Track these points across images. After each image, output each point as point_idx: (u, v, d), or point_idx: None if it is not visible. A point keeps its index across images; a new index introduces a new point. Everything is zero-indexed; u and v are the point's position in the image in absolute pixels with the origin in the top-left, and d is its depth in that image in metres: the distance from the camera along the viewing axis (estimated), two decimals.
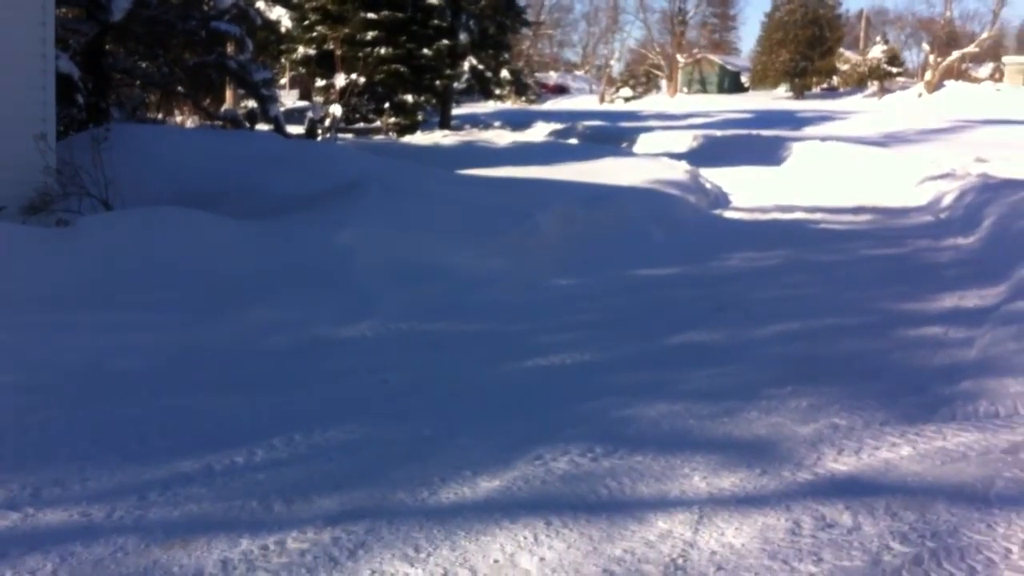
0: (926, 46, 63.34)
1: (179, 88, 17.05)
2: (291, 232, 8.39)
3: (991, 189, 13.03)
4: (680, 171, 16.40)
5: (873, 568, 3.41)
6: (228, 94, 21.50)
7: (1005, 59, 63.83)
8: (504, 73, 36.23)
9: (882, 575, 3.37)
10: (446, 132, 30.20)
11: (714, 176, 17.39)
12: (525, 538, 3.61)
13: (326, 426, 4.72)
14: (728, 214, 13.96)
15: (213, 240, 7.97)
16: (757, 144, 25.28)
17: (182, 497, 3.90)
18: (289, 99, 37.59)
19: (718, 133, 29.49)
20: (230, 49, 16.57)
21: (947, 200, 13.99)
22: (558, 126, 34.16)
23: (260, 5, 18.94)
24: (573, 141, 28.11)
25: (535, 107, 50.98)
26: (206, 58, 16.13)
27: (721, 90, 73.31)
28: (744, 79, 74.24)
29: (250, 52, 16.72)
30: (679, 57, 72.17)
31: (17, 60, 8.92)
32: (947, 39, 62.27)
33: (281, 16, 20.54)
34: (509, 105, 47.35)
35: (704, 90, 74.22)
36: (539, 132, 33.05)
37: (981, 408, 5.16)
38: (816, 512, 3.85)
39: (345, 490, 3.98)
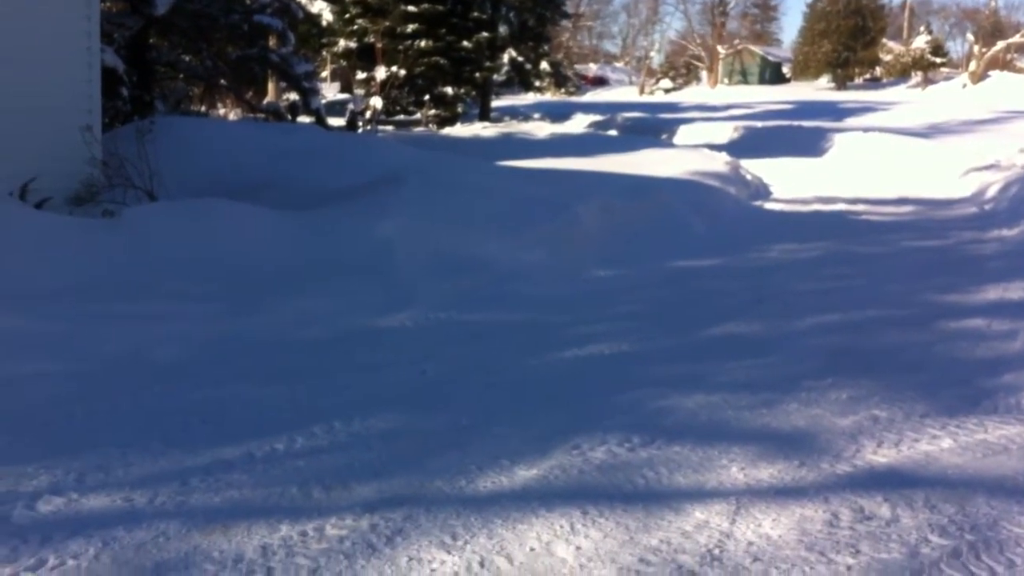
0: (970, 36, 62.41)
1: (222, 81, 17.23)
2: (332, 223, 8.45)
3: None
4: (720, 162, 16.31)
5: (911, 560, 3.40)
6: (270, 87, 21.71)
7: None
8: (544, 65, 36.21)
9: (920, 568, 3.35)
10: (486, 124, 30.22)
11: (755, 167, 17.27)
12: (561, 527, 3.62)
13: (365, 415, 4.76)
14: (769, 205, 13.87)
15: (255, 231, 8.05)
16: (798, 135, 25.05)
17: (223, 483, 3.96)
18: (330, 92, 37.77)
19: (759, 124, 29.27)
20: (272, 42, 16.73)
21: (991, 191, 13.81)
22: (598, 118, 34.06)
23: None
24: (613, 133, 28.04)
25: (575, 99, 50.83)
26: (248, 51, 16.30)
27: (762, 81, 72.67)
28: (785, 70, 73.56)
29: (292, 45, 16.86)
30: (720, 48, 71.61)
31: (63, 54, 9.06)
32: (992, 29, 61.30)
33: (322, 9, 20.69)
34: (549, 97, 47.29)
35: (745, 81, 73.61)
36: (579, 124, 32.97)
37: None
38: (854, 504, 3.83)
39: (383, 478, 4.02)
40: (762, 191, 15.25)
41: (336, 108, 25.93)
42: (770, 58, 75.86)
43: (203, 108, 19.06)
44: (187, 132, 11.78)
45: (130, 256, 7.24)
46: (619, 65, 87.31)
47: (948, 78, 59.50)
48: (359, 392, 5.17)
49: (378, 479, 4.01)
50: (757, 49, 76.83)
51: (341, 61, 32.90)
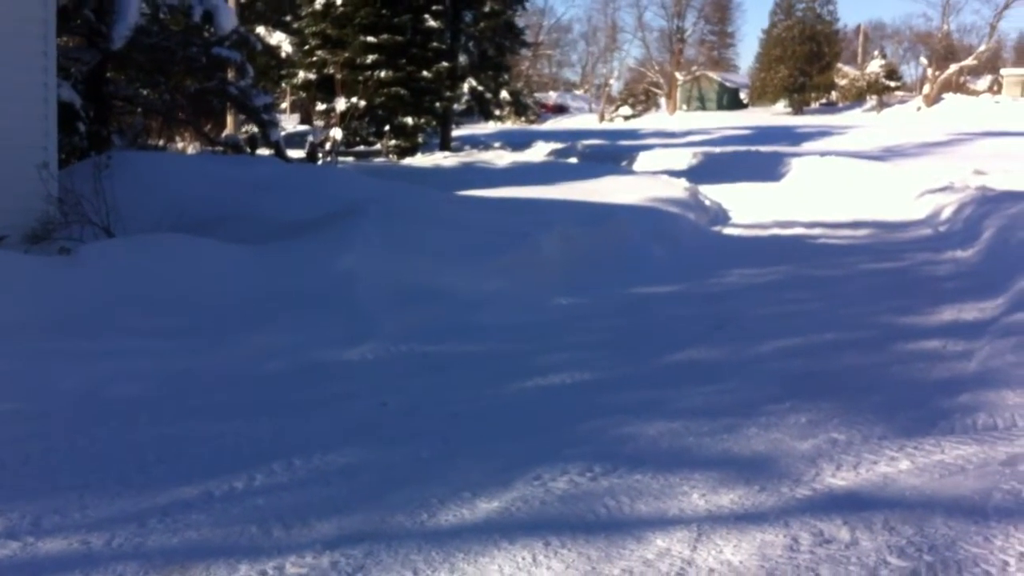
0: (924, 60, 63.51)
1: (180, 114, 17.13)
2: (292, 256, 8.42)
3: (990, 201, 13.06)
4: (680, 189, 16.45)
5: None
6: (229, 119, 21.61)
7: (1003, 71, 64.01)
8: (504, 94, 36.36)
9: None
10: (446, 153, 30.29)
11: (714, 193, 17.43)
12: (523, 559, 3.62)
13: (326, 450, 4.74)
14: (728, 231, 14.00)
15: (214, 266, 8.00)
16: (756, 160, 25.32)
17: (181, 523, 3.92)
18: (290, 123, 37.74)
19: (717, 150, 29.56)
20: (231, 75, 16.67)
21: (946, 213, 14.02)
22: (558, 145, 34.22)
23: (260, 31, 19.09)
24: (573, 160, 28.17)
25: (535, 127, 51.06)
26: (207, 84, 16.22)
27: (720, 107, 73.47)
28: (743, 95, 74.46)
29: (251, 77, 16.81)
30: (678, 75, 72.33)
31: (19, 90, 8.98)
32: (945, 52, 62.39)
33: (281, 41, 20.70)
34: (509, 125, 47.47)
35: (703, 107, 74.39)
36: (539, 152, 33.09)
37: (980, 421, 5.18)
38: (814, 528, 3.86)
39: (344, 514, 4.00)
40: (721, 216, 15.38)
41: (296, 140, 25.89)
42: (728, 84, 76.77)
43: (161, 142, 18.93)
44: (145, 167, 11.71)
45: (87, 293, 7.17)
46: (579, 93, 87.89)
47: (902, 101, 60.46)
48: (319, 427, 5.14)
49: (339, 515, 3.98)
50: (715, 75, 77.71)
51: (301, 93, 32.88)
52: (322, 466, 4.56)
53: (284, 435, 4.99)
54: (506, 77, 37.36)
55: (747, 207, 16.45)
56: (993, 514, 3.97)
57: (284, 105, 39.60)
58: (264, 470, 4.48)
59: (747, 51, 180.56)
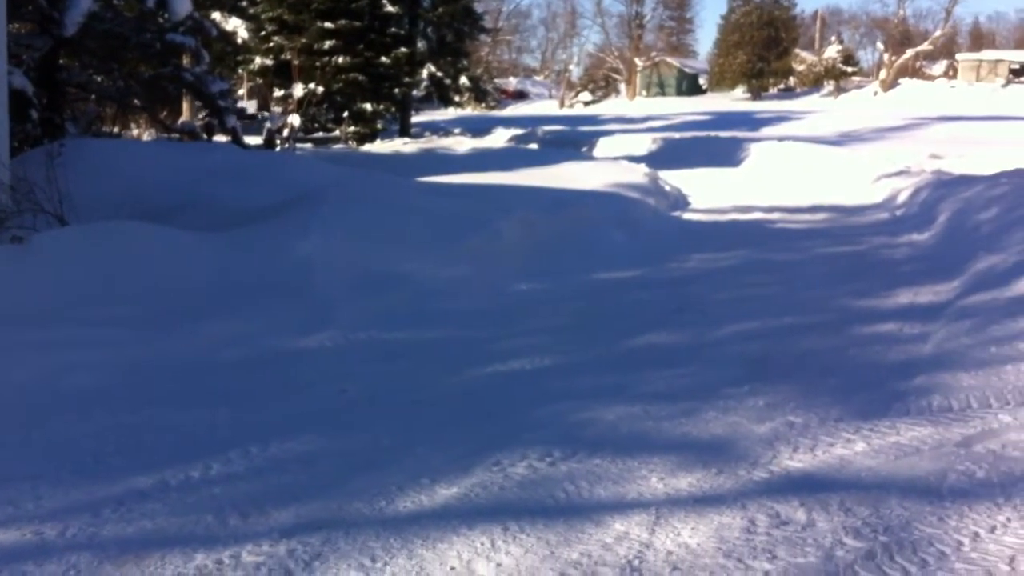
0: (880, 45, 64.07)
1: (135, 101, 16.92)
2: (249, 244, 8.34)
3: (945, 185, 13.21)
4: (639, 174, 16.48)
5: (826, 564, 3.45)
6: (185, 106, 21.37)
7: (958, 56, 64.80)
8: (463, 80, 36.22)
9: (835, 570, 3.40)
10: (406, 140, 30.14)
11: (673, 178, 17.49)
12: (482, 544, 3.61)
13: (283, 438, 4.71)
14: (687, 216, 14.06)
15: (170, 254, 7.91)
16: (715, 146, 25.45)
17: (136, 513, 3.87)
18: (247, 110, 37.33)
19: (677, 135, 29.67)
20: (186, 61, 16.48)
21: (902, 197, 14.16)
22: (518, 131, 34.20)
23: (216, 16, 18.82)
24: (533, 146, 28.15)
25: (495, 113, 50.96)
26: (162, 70, 16.02)
27: (679, 92, 73.71)
28: (702, 81, 74.75)
29: (206, 64, 16.63)
30: (637, 60, 72.48)
31: None
32: (901, 38, 63.01)
33: (237, 27, 20.41)
34: (469, 111, 47.35)
35: (663, 93, 74.58)
36: (499, 138, 33.05)
37: (935, 402, 5.23)
38: (771, 510, 3.88)
39: (302, 502, 3.97)
40: (681, 202, 15.44)
41: (253, 126, 25.66)
42: (687, 70, 77.02)
43: (116, 129, 18.70)
44: (99, 154, 11.54)
45: (40, 282, 7.06)
46: (539, 79, 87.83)
47: (859, 86, 61.02)
48: (277, 415, 5.10)
49: (296, 503, 3.95)
50: (674, 61, 77.95)
51: (257, 79, 32.55)
52: (280, 454, 4.53)
53: (241, 423, 4.95)
54: (465, 63, 37.24)
55: (706, 192, 16.52)
56: (948, 494, 4.01)
57: (241, 91, 39.19)
58: (221, 459, 4.44)
59: (706, 37, 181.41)
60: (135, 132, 19.86)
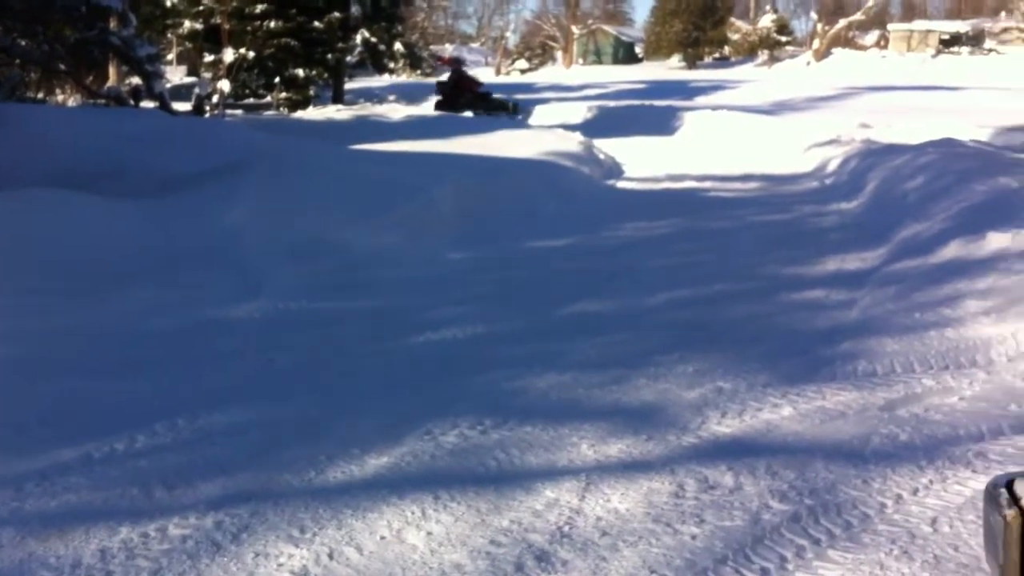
0: (814, 15, 64.71)
1: (60, 66, 16.53)
2: (177, 211, 8.21)
3: (874, 154, 13.39)
4: (574, 143, 16.48)
5: (753, 527, 3.50)
6: (112, 71, 20.89)
7: (890, 26, 65.59)
8: (398, 46, 35.94)
9: (762, 533, 3.45)
10: (339, 107, 29.77)
11: (608, 147, 17.51)
12: (413, 513, 3.61)
13: (211, 410, 4.64)
14: (621, 184, 14.09)
15: (95, 222, 7.75)
16: (650, 114, 25.51)
17: (60, 487, 3.80)
18: (176, 75, 36.63)
19: (612, 104, 29.69)
20: (113, 24, 16.11)
21: (832, 166, 14.33)
22: None
23: None
24: (468, 114, 27.99)
25: (430, 80, 50.57)
26: (87, 34, 15.67)
27: (616, 61, 73.71)
28: (638, 50, 74.79)
29: (134, 27, 16.28)
30: (574, 28, 72.33)
31: None
32: (834, 7, 63.70)
33: None
34: (404, 79, 46.92)
35: (599, 61, 74.55)
36: (434, 105, 32.79)
37: (860, 367, 5.31)
38: (699, 474, 3.93)
39: (230, 474, 3.93)
40: (615, 170, 15.48)
41: (183, 92, 25.19)
42: (623, 38, 77.00)
43: (41, 95, 18.24)
44: (23, 120, 11.28)
45: None
46: (475, 46, 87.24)
47: (793, 56, 61.50)
48: (204, 386, 5.03)
49: (224, 475, 3.91)
50: (611, 29, 77.89)
51: (187, 43, 31.91)
52: (207, 426, 4.47)
53: (168, 394, 4.88)
54: (400, 29, 36.95)
55: (641, 161, 16.56)
56: (872, 458, 4.09)
57: (170, 56, 38.42)
58: (147, 431, 4.37)
59: (642, 5, 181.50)
60: (60, 98, 19.38)
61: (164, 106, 16.17)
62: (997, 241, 7.14)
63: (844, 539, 3.42)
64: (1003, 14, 60.64)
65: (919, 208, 9.23)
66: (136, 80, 17.17)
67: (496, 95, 29.23)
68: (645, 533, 3.46)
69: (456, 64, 35.32)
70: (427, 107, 31.23)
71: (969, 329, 5.78)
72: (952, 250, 7.43)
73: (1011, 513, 2.08)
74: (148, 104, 16.60)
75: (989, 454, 4.08)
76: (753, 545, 3.38)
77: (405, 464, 4.06)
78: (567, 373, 5.27)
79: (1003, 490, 2.18)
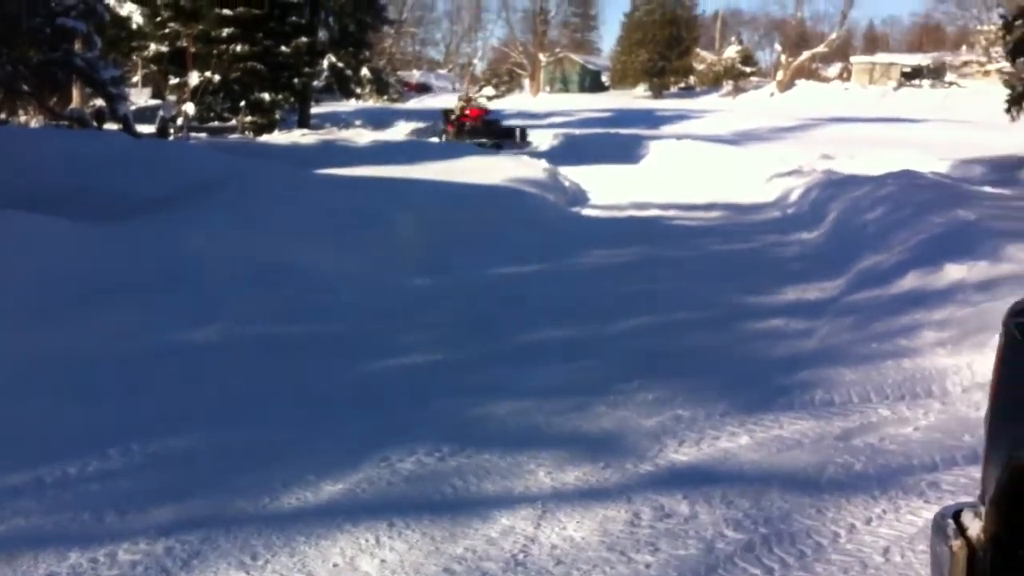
0: (778, 46, 65.45)
1: (23, 87, 16.41)
2: (138, 235, 8.15)
3: (835, 185, 13.54)
4: (539, 170, 16.55)
5: (707, 556, 3.51)
6: (75, 93, 20.77)
7: (853, 59, 66.59)
8: (365, 71, 35.97)
9: (715, 562, 3.46)
10: (305, 131, 29.72)
11: (573, 174, 17.60)
12: (367, 540, 3.58)
13: (165, 435, 4.60)
14: (586, 212, 14.15)
15: (54, 245, 7.66)
16: (615, 142, 25.68)
17: (9, 511, 3.75)
18: (141, 98, 36.39)
19: (578, 132, 29.88)
20: (77, 46, 16.04)
21: (794, 196, 14.47)
22: (420, 125, 33.99)
23: (109, 1, 18.37)
24: (435, 140, 28.04)
25: (397, 105, 50.60)
26: (52, 55, 15.58)
27: (582, 89, 74.19)
28: (605, 78, 75.35)
29: (99, 49, 16.23)
30: (541, 56, 72.79)
31: None
32: (798, 39, 64.48)
33: (132, 12, 19.99)
34: (371, 104, 46.95)
35: (566, 89, 74.98)
36: (400, 131, 32.83)
37: (817, 397, 5.35)
38: (655, 503, 3.93)
39: (182, 500, 3.89)
40: (580, 198, 15.55)
41: (147, 115, 25.05)
42: (590, 67, 77.59)
43: (2, 116, 18.09)
44: None
45: None
46: (442, 72, 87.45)
47: (757, 87, 62.20)
48: (160, 411, 4.98)
49: (176, 501, 3.87)
50: (577, 58, 78.44)
51: (152, 66, 31.78)
52: (161, 451, 4.42)
53: (122, 419, 4.82)
54: (367, 54, 37.02)
55: (605, 189, 16.63)
56: (827, 487, 4.12)
57: (135, 79, 38.25)
58: (99, 455, 4.32)
59: (609, 34, 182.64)
60: (23, 119, 19.24)
61: (128, 128, 16.09)
62: (954, 273, 7.24)
63: (797, 568, 3.44)
64: (964, 48, 61.69)
65: (878, 239, 9.34)
66: (100, 102, 17.06)
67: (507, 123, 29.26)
68: (600, 561, 3.46)
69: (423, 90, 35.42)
70: (393, 132, 31.26)
71: (925, 359, 5.84)
72: (910, 281, 7.52)
73: (957, 543, 2.10)
74: (112, 126, 16.50)
75: (942, 484, 4.12)
76: (707, 574, 3.39)
77: (360, 491, 4.04)
78: (527, 400, 5.27)
79: (950, 520, 2.21)
